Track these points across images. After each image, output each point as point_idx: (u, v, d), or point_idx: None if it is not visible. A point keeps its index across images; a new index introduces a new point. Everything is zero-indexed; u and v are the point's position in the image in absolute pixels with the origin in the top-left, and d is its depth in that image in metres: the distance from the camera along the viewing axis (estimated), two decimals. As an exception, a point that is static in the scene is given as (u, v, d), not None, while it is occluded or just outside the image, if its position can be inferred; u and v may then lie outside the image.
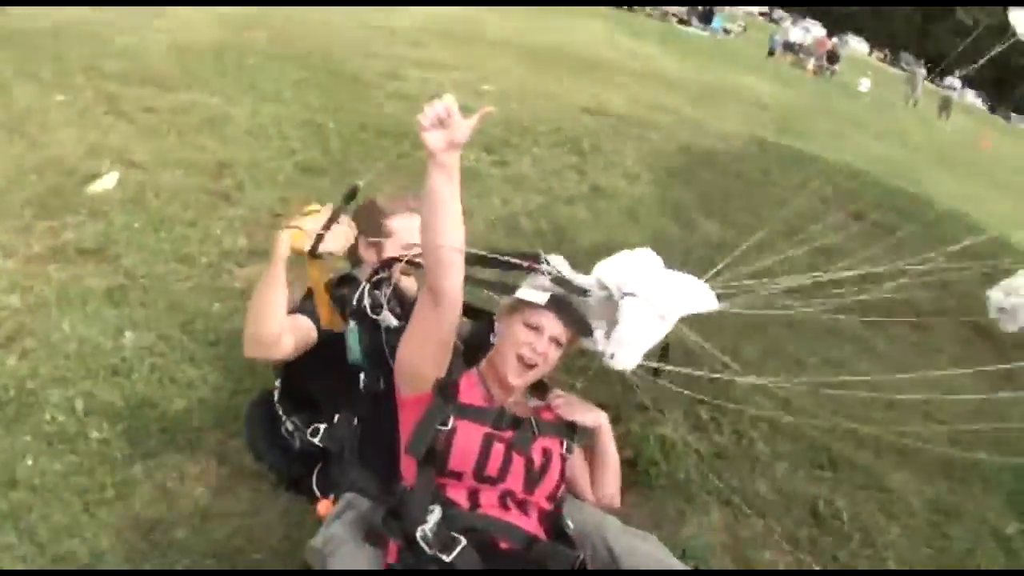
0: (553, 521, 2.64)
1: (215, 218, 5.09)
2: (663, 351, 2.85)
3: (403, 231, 3.11)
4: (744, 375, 3.24)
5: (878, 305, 4.31)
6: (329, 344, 2.93)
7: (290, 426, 3.15)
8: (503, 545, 2.47)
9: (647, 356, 2.72)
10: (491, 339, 2.88)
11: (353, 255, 3.22)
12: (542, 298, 2.70)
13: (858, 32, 56.05)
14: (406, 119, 7.62)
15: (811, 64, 33.16)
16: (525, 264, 2.69)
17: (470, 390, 2.71)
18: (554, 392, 2.93)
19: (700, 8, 38.08)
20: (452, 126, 2.21)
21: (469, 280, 2.57)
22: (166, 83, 7.81)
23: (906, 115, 24.17)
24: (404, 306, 3.01)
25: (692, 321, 2.83)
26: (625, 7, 33.79)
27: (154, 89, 7.57)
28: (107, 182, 5.30)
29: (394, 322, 2.94)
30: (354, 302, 2.97)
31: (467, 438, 2.56)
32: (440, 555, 2.37)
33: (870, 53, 55.02)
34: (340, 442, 2.98)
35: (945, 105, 28.63)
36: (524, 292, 2.72)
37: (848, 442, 3.90)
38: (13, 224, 4.73)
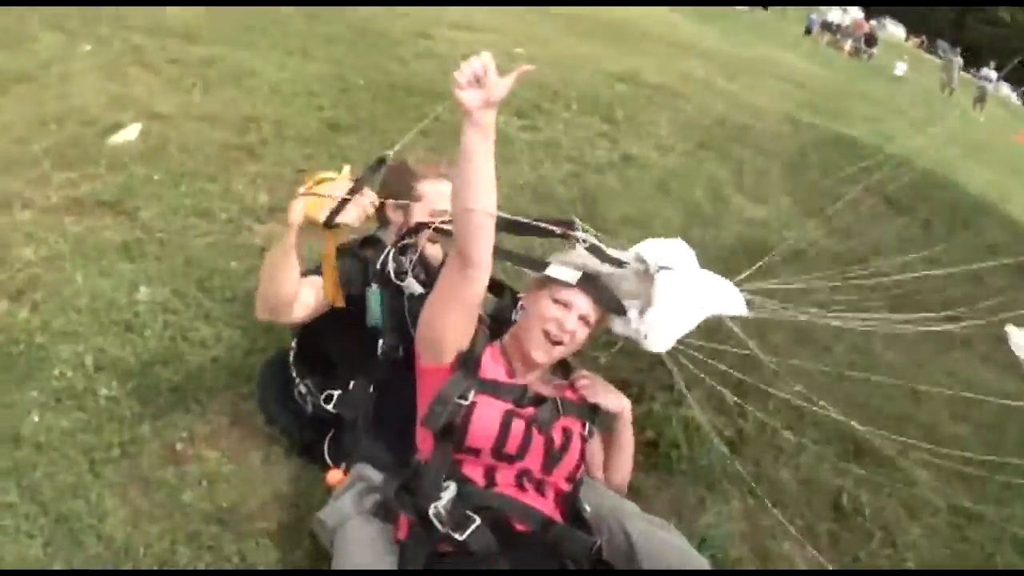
0: (570, 503, 2.54)
1: (237, 173, 4.97)
2: None
3: (433, 196, 3.00)
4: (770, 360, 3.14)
5: (908, 296, 4.18)
6: (349, 307, 2.81)
7: (303, 389, 3.06)
8: (519, 526, 2.37)
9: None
10: (514, 316, 2.77)
11: (379, 216, 3.11)
12: (573, 276, 2.59)
13: (895, 16, 55.07)
14: (436, 78, 7.47)
15: (848, 45, 32.48)
16: (559, 231, 2.59)
17: (493, 364, 2.60)
18: (579, 372, 2.80)
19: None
20: (489, 84, 2.11)
21: (497, 252, 2.45)
22: (193, 35, 7.67)
23: (942, 103, 23.66)
24: (429, 273, 2.91)
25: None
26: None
27: (181, 41, 7.44)
28: (129, 133, 5.19)
29: (418, 289, 2.84)
30: (378, 265, 2.87)
31: (487, 414, 2.45)
32: (453, 533, 2.28)
33: (907, 38, 54.02)
34: (354, 409, 2.88)
35: (981, 96, 27.98)
36: (555, 270, 2.60)
37: (874, 435, 3.74)
38: (31, 175, 4.63)
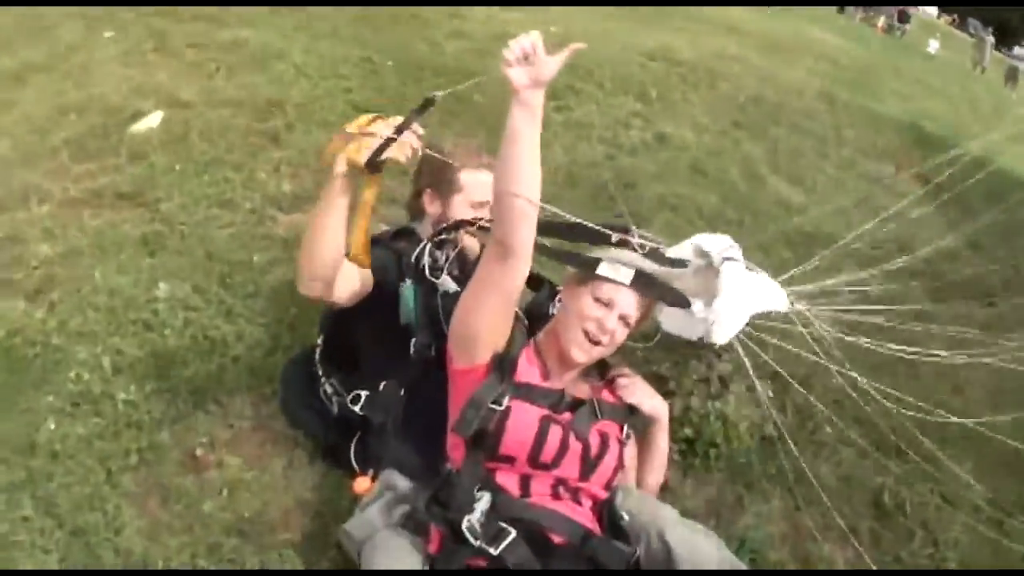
0: (607, 511, 2.39)
1: (261, 160, 4.82)
2: None
3: (473, 186, 2.87)
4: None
5: (946, 281, 4.01)
6: (382, 302, 2.69)
7: (329, 388, 2.93)
8: (556, 539, 2.23)
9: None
10: (551, 310, 2.62)
11: (413, 207, 3.01)
12: (626, 276, 2.42)
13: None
14: (466, 59, 7.29)
15: (881, 21, 31.75)
16: (615, 237, 2.44)
17: (528, 366, 2.45)
18: (618, 369, 2.66)
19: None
20: (538, 62, 2.02)
21: (542, 249, 2.36)
22: (217, 18, 7.47)
23: (975, 82, 23.08)
24: (465, 270, 2.75)
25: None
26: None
27: (205, 25, 7.25)
28: (151, 121, 5.06)
29: (453, 287, 2.69)
30: (412, 258, 2.73)
31: (523, 420, 2.31)
32: (487, 547, 2.15)
33: (938, 16, 53.03)
34: (384, 412, 2.74)
35: (1012, 75, 27.26)
36: (606, 269, 2.44)
37: (914, 428, 3.57)
38: (49, 166, 4.53)
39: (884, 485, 3.32)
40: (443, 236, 2.76)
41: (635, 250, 2.46)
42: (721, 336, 2.65)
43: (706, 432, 3.24)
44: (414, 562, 2.25)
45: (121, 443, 2.90)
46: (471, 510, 2.23)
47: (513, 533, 2.19)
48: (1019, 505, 3.42)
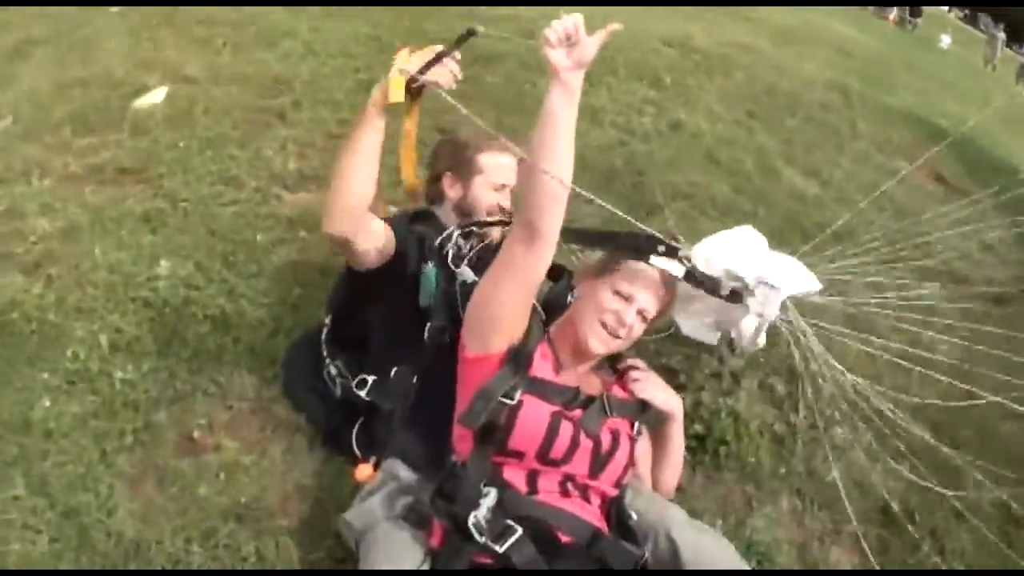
0: (616, 510, 2.32)
1: (267, 138, 4.73)
2: None
3: (494, 168, 2.84)
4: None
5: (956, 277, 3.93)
6: (398, 280, 2.65)
7: (333, 370, 2.86)
8: (563, 538, 2.16)
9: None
10: (569, 300, 2.52)
11: (433, 191, 2.95)
12: (680, 269, 2.39)
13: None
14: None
15: (893, 14, 31.53)
16: (660, 249, 2.42)
17: (542, 361, 2.37)
18: (629, 361, 2.58)
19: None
20: (579, 44, 1.98)
21: (588, 237, 2.41)
22: (226, -5, 7.42)
23: (986, 78, 22.93)
24: (485, 258, 2.66)
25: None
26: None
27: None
28: (155, 97, 4.98)
29: (472, 277, 2.63)
30: (436, 243, 2.70)
31: (533, 415, 2.23)
32: (492, 544, 2.07)
33: (949, 10, 52.70)
34: (393, 399, 2.66)
35: (1023, 72, 27.15)
36: (660, 260, 2.40)
37: (926, 432, 3.49)
38: (51, 140, 4.46)
39: (893, 491, 3.24)
40: (474, 228, 2.75)
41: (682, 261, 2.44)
42: (749, 347, 2.65)
43: (716, 429, 3.17)
44: (415, 557, 2.18)
45: (117, 423, 2.83)
46: (477, 505, 2.15)
47: (519, 531, 2.11)
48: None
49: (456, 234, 2.70)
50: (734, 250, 2.58)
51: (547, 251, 2.19)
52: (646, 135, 5.87)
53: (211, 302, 3.36)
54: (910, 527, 3.07)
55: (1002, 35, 30.18)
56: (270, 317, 3.34)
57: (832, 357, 3.06)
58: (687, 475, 3.03)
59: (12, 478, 2.62)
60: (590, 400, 2.36)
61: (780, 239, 4.71)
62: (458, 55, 2.45)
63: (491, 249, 2.73)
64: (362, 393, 2.70)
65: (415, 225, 2.78)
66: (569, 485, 2.28)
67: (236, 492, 2.67)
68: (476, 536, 2.09)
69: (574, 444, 2.26)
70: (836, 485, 3.10)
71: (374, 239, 2.57)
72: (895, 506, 3.13)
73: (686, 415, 2.67)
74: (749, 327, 2.56)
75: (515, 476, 2.26)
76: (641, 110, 6.34)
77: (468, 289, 2.54)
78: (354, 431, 2.75)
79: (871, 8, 31.40)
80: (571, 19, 1.98)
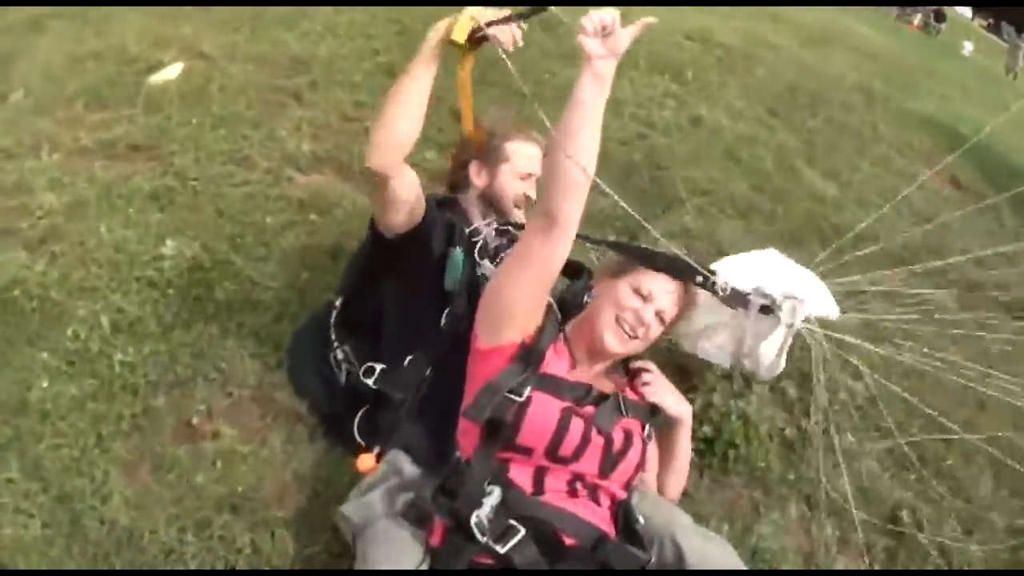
0: (624, 513, 2.25)
1: (281, 118, 4.64)
2: None
3: (520, 157, 2.84)
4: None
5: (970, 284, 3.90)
6: (421, 258, 2.62)
7: (340, 355, 2.80)
8: (568, 540, 2.09)
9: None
10: (586, 299, 2.48)
11: (457, 178, 2.94)
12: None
13: (962, -3, 53.12)
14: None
15: (917, 20, 31.17)
16: (698, 280, 2.49)
17: (556, 358, 2.32)
18: (640, 363, 2.53)
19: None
20: (614, 35, 2.00)
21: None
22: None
23: (1007, 88, 22.68)
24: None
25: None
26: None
27: (235, -23, 7.11)
28: (169, 73, 4.90)
29: (492, 270, 2.63)
30: (468, 231, 2.73)
31: (543, 411, 2.17)
32: (494, 545, 2.01)
33: (972, 18, 52.08)
34: (404, 389, 2.60)
35: None
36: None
37: (938, 442, 3.40)
38: (63, 115, 4.39)
39: (903, 501, 3.16)
40: (511, 227, 2.76)
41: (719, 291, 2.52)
42: (767, 375, 2.77)
43: (726, 431, 3.10)
44: (414, 556, 2.13)
45: (115, 406, 2.78)
46: (480, 504, 2.09)
47: (522, 532, 2.05)
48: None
49: (490, 230, 2.72)
50: (760, 269, 2.69)
51: (564, 241, 2.15)
52: (666, 129, 5.77)
53: (216, 284, 3.29)
54: (919, 535, 3.01)
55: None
56: (276, 301, 3.27)
57: (845, 364, 3.02)
58: (694, 478, 2.96)
59: (6, 461, 2.58)
60: (603, 397, 2.30)
61: (798, 240, 4.65)
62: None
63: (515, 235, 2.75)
64: (369, 381, 2.64)
65: (440, 211, 2.73)
66: (578, 485, 2.21)
67: (233, 481, 2.61)
68: (478, 536, 2.03)
69: (585, 441, 2.19)
70: (845, 493, 3.04)
71: (409, 189, 2.53)
72: (904, 516, 3.06)
73: (695, 416, 2.63)
74: (770, 352, 2.60)
75: (521, 474, 2.19)
76: (662, 104, 6.23)
77: (487, 283, 2.49)
78: (357, 419, 2.68)
79: (895, 11, 31.12)
80: (608, 13, 1.98)
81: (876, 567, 2.91)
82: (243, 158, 4.20)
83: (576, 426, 2.19)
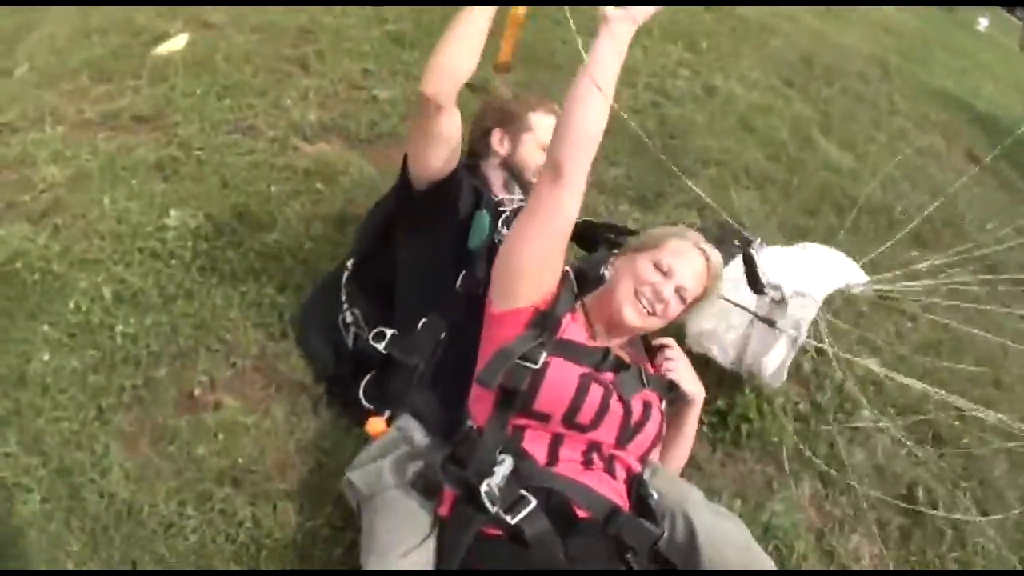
0: (637, 487, 2.20)
1: (287, 87, 4.58)
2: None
3: (542, 129, 2.81)
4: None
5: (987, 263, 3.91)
6: (446, 216, 2.62)
7: (349, 317, 2.78)
8: (580, 512, 2.04)
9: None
10: (603, 270, 2.43)
11: (479, 145, 2.90)
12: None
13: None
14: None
15: None
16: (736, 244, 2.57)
17: (573, 325, 2.27)
18: (663, 340, 2.50)
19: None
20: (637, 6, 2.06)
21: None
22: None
23: (1021, 62, 22.39)
24: None
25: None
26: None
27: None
28: (175, 44, 4.84)
29: None
30: (496, 198, 2.76)
31: (561, 376, 2.12)
32: (504, 515, 1.96)
33: None
34: (417, 354, 2.56)
35: None
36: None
37: (954, 420, 3.33)
38: (67, 88, 4.33)
39: (918, 479, 3.09)
40: None
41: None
42: (773, 382, 2.87)
43: (739, 404, 3.04)
44: (422, 527, 2.09)
45: (116, 379, 2.73)
46: (491, 473, 2.04)
47: (533, 502, 2.01)
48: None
49: (518, 204, 2.70)
50: (776, 263, 2.73)
51: (572, 192, 2.14)
52: (680, 98, 5.68)
53: (220, 255, 3.24)
54: (934, 514, 2.95)
55: (1040, 21, 29.42)
56: (280, 271, 3.21)
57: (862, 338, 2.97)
58: (706, 452, 2.92)
59: (6, 435, 2.53)
60: (621, 364, 2.27)
61: (813, 211, 4.58)
62: None
63: None
64: (380, 346, 2.60)
65: (462, 175, 2.71)
66: (594, 455, 2.17)
67: (235, 453, 2.56)
68: (488, 505, 1.98)
69: (604, 407, 2.15)
70: (861, 470, 2.99)
71: (454, 128, 2.55)
72: (919, 494, 3.00)
73: (708, 389, 2.56)
74: (772, 364, 2.70)
75: (536, 444, 2.15)
76: (676, 73, 6.15)
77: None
78: (363, 383, 2.65)
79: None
80: None
81: (890, 546, 2.84)
82: (248, 127, 4.14)
83: (595, 392, 2.14)
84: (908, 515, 2.97)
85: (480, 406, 2.22)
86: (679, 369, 2.44)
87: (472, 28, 2.41)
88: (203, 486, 2.47)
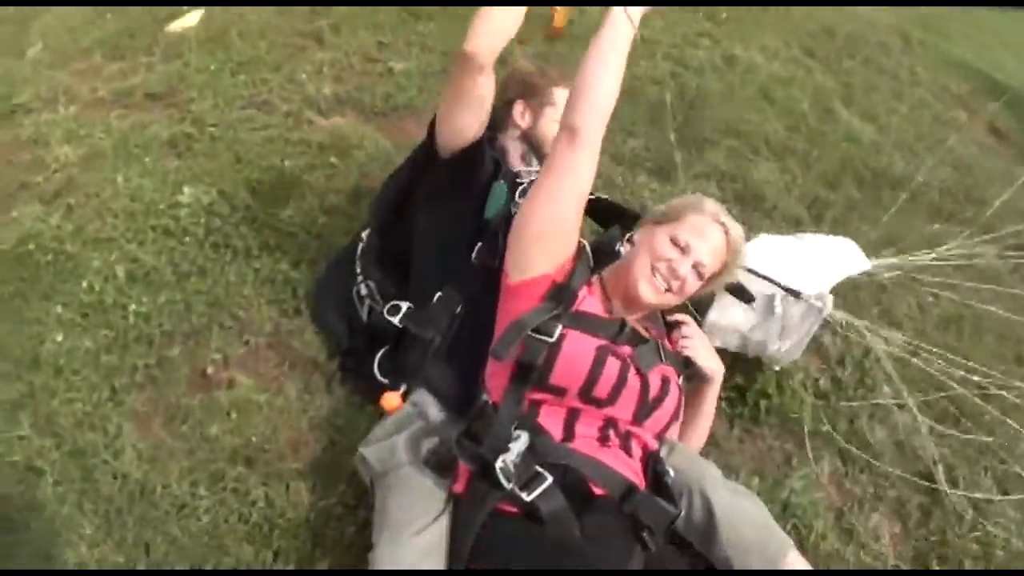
0: (654, 465, 2.16)
1: (302, 61, 4.52)
2: None
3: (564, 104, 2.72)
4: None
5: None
6: (466, 183, 2.60)
7: (363, 290, 2.74)
8: (596, 490, 2.01)
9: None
10: (619, 247, 2.41)
11: (500, 115, 2.85)
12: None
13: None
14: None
15: None
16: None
17: (589, 298, 2.24)
18: (680, 316, 2.47)
19: None
20: None
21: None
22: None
23: None
24: None
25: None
26: None
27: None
28: (189, 20, 4.80)
29: None
30: (512, 170, 2.74)
31: (577, 349, 2.09)
32: (520, 492, 1.93)
33: None
34: (433, 328, 2.52)
35: None
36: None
37: (976, 397, 3.25)
38: (80, 66, 4.32)
39: (938, 458, 3.03)
40: None
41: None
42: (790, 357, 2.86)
43: (758, 380, 2.97)
44: (436, 505, 2.07)
45: (129, 358, 2.72)
46: (507, 449, 2.01)
47: (549, 479, 1.98)
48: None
49: (537, 172, 2.63)
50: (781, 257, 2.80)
51: (587, 154, 2.17)
52: (700, 68, 5.59)
53: (233, 231, 3.20)
54: (954, 494, 2.88)
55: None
56: (294, 247, 3.17)
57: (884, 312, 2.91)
58: (725, 428, 2.86)
59: (19, 418, 2.53)
60: (639, 337, 2.23)
61: (833, 182, 4.50)
62: None
63: None
64: (395, 319, 2.57)
65: (484, 147, 2.69)
66: (610, 431, 2.13)
67: (248, 432, 2.55)
68: (503, 482, 1.95)
69: (621, 381, 2.11)
70: (882, 447, 2.94)
71: (489, 91, 2.57)
72: (940, 473, 2.93)
73: (727, 364, 2.52)
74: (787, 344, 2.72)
75: (551, 419, 2.12)
76: (696, 43, 6.04)
77: None
78: (377, 358, 2.61)
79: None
80: None
81: (910, 525, 2.79)
82: (263, 102, 4.10)
83: (612, 365, 2.11)
84: (928, 494, 2.90)
85: (496, 381, 2.19)
86: (695, 346, 2.39)
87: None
88: (216, 466, 2.46)
